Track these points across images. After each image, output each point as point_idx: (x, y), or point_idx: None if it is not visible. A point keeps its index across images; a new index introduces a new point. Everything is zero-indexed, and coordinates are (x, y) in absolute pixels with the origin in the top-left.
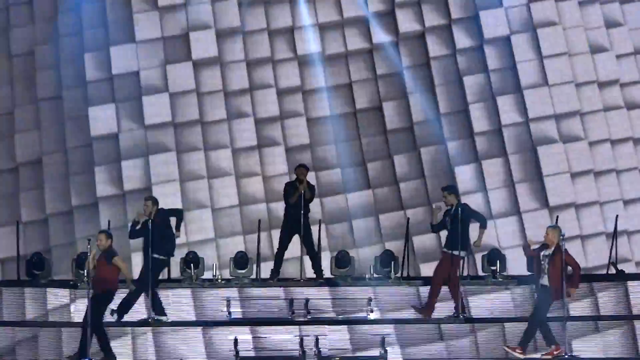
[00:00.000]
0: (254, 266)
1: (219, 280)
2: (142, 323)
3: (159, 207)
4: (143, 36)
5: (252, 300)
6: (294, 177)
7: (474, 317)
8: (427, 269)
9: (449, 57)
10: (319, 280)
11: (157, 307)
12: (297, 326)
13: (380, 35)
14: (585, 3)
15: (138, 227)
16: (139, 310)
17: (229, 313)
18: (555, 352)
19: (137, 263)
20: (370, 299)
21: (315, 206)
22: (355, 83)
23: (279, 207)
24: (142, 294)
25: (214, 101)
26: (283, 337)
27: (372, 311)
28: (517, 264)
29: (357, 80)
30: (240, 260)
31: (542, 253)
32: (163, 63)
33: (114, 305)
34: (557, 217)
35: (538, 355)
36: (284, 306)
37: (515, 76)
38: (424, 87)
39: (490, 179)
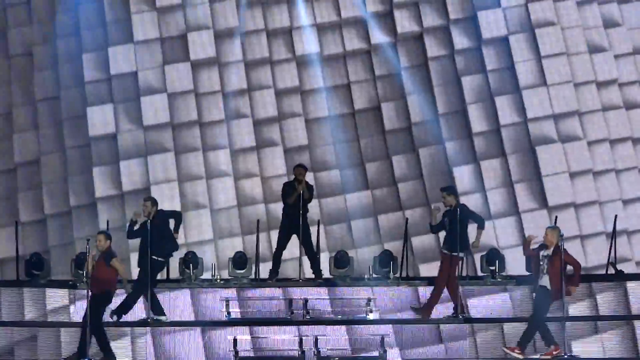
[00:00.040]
0: (253, 266)
1: (218, 281)
2: (142, 323)
3: (159, 208)
4: (141, 36)
5: (251, 301)
6: (292, 177)
7: (473, 317)
8: (426, 269)
9: (447, 58)
10: (318, 281)
11: (156, 307)
12: (296, 326)
13: (379, 36)
14: (583, 3)
15: (136, 227)
16: (138, 310)
17: (228, 313)
18: (554, 353)
19: (136, 264)
20: (369, 299)
21: (313, 207)
22: (353, 84)
23: (278, 208)
24: (141, 295)
25: (212, 102)
26: (282, 337)
27: (371, 311)
28: (516, 264)
29: (355, 80)
30: (239, 260)
31: (541, 253)
32: (161, 63)
33: (113, 305)
34: (556, 217)
35: (537, 356)
36: (283, 306)
37: (514, 76)
38: (422, 87)
39: (488, 179)
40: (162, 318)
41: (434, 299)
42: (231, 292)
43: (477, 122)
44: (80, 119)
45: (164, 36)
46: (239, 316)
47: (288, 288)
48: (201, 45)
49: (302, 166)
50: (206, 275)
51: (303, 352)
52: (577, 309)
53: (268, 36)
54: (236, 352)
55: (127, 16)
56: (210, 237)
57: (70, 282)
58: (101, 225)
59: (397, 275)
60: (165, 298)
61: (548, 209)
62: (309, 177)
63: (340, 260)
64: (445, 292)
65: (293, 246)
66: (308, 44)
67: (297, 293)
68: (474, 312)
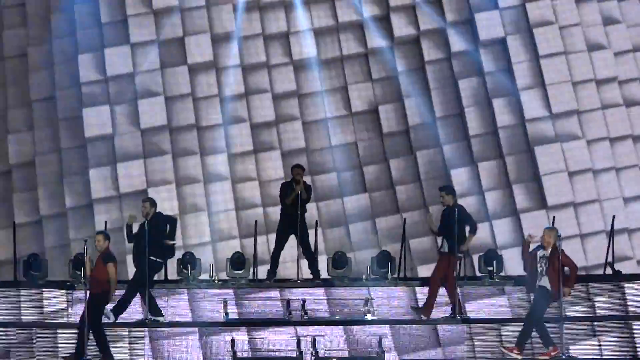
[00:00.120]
0: (251, 267)
1: (216, 281)
2: (139, 324)
3: (157, 211)
4: (138, 39)
5: (249, 301)
6: (290, 179)
7: (471, 317)
8: (425, 271)
9: (444, 61)
10: (315, 281)
11: (153, 307)
12: (294, 327)
13: (376, 40)
14: (582, 1)
15: (134, 230)
16: (136, 311)
17: (226, 314)
18: (552, 353)
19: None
20: (367, 300)
21: (311, 210)
22: (351, 87)
23: (276, 211)
24: (138, 295)
25: (210, 106)
26: (280, 338)
27: (369, 312)
28: (514, 265)
29: (352, 84)
30: (237, 261)
31: (538, 254)
32: (159, 67)
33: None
34: (554, 218)
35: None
36: (281, 307)
37: (511, 78)
38: (420, 90)
39: (486, 181)
40: (160, 319)
41: (432, 298)
42: (229, 293)
43: (475, 124)
44: (76, 120)
45: (161, 39)
46: (236, 317)
47: (286, 288)
48: (199, 48)
49: (300, 166)
50: (204, 276)
51: (301, 352)
52: (574, 310)
53: (265, 40)
54: (234, 353)
55: (123, 17)
56: (208, 240)
57: (68, 283)
58: (97, 226)
59: (395, 275)
60: (162, 299)
61: (547, 209)
62: (307, 180)
63: (338, 260)
64: (443, 292)
65: (291, 247)
66: (305, 47)
67: (295, 294)
68: (472, 313)
